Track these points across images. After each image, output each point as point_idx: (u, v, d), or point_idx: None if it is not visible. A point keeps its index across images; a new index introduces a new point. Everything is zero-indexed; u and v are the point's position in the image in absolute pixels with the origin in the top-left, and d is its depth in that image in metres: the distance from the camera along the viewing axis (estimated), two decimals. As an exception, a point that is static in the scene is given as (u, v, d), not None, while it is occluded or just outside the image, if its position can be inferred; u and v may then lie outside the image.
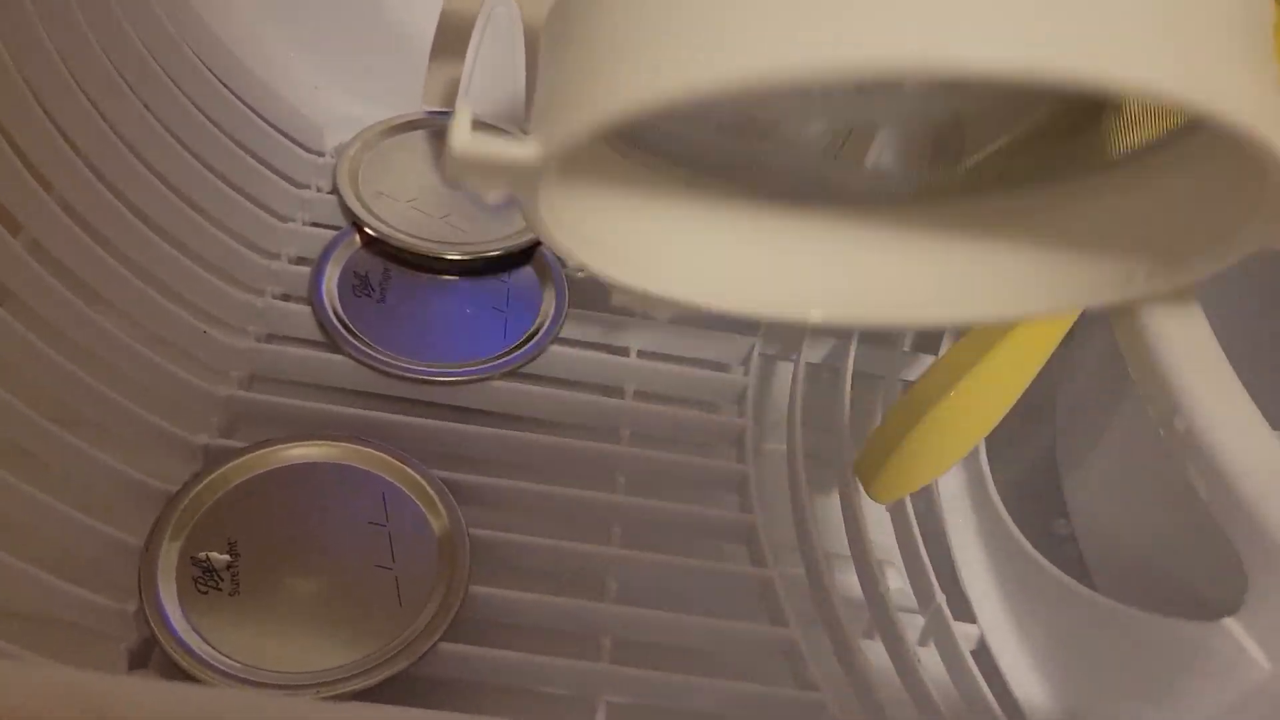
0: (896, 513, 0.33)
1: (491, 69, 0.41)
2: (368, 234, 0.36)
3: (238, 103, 0.39)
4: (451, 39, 0.41)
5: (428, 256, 0.36)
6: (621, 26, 0.15)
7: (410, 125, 0.41)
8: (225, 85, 0.39)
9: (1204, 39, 0.14)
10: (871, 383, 0.36)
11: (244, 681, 0.27)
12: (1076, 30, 0.13)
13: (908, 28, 0.13)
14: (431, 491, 0.31)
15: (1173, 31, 0.14)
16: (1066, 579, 0.31)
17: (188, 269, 0.35)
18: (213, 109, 0.38)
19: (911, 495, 0.34)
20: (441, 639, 0.28)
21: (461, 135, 0.16)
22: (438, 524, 0.30)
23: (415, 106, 0.41)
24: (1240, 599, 0.26)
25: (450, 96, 0.42)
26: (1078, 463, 0.35)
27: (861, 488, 0.30)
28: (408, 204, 0.37)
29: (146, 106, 0.36)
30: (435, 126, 0.41)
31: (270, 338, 0.35)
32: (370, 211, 0.37)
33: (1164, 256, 0.19)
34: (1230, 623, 0.26)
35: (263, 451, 0.31)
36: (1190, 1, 0.14)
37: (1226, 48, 0.14)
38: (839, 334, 0.37)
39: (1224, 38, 0.14)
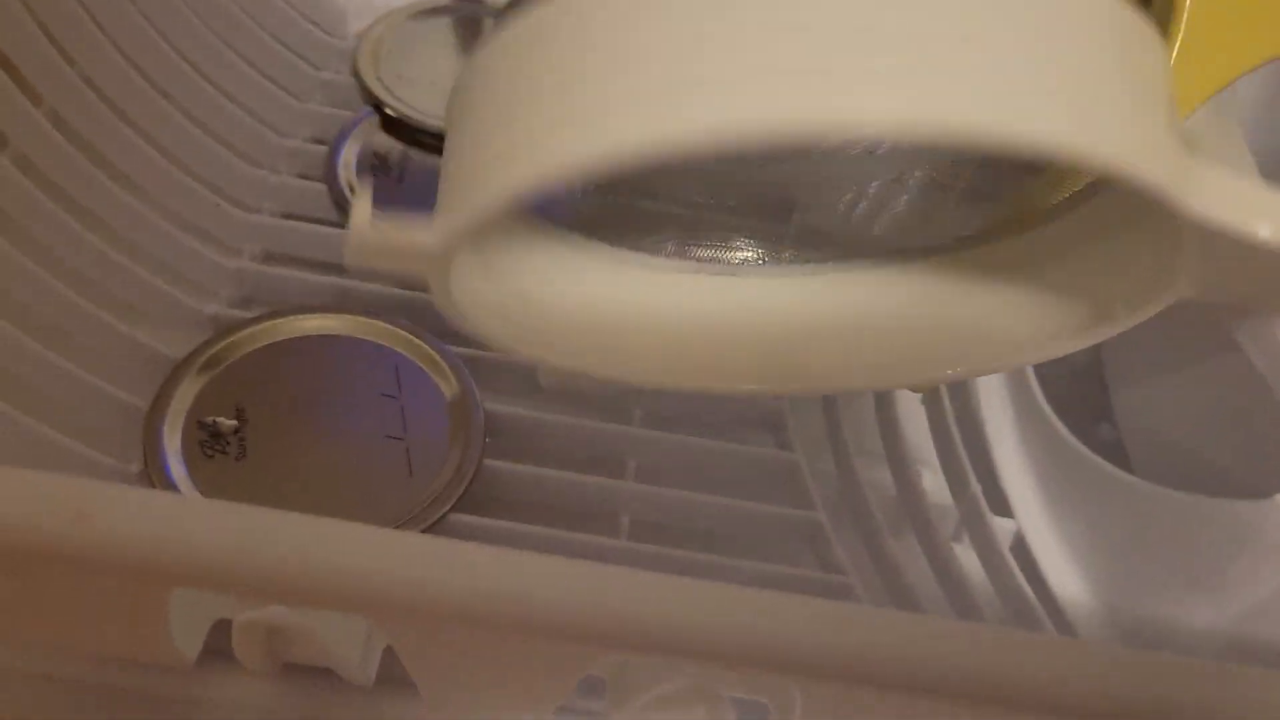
0: (932, 408, 0.32)
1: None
2: (388, 114, 0.35)
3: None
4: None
5: (448, 137, 0.35)
6: (511, 102, 0.14)
7: (434, 11, 0.39)
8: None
9: (1080, 85, 0.13)
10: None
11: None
12: (947, 87, 0.12)
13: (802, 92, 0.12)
14: (445, 365, 0.29)
15: (1047, 81, 0.13)
16: (1113, 469, 0.29)
17: (203, 143, 0.34)
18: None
19: (949, 393, 0.33)
20: (452, 509, 0.27)
21: (360, 222, 0.15)
22: (451, 395, 0.29)
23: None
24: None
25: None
26: (1126, 368, 0.34)
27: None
28: (430, 86, 0.36)
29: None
30: (460, 13, 0.39)
31: (286, 215, 0.34)
32: (391, 93, 0.36)
33: (1102, 310, 0.18)
34: (1285, 495, 0.25)
35: (274, 322, 0.30)
36: (1061, 51, 0.13)
37: (1107, 94, 0.13)
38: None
39: (1102, 84, 0.13)
